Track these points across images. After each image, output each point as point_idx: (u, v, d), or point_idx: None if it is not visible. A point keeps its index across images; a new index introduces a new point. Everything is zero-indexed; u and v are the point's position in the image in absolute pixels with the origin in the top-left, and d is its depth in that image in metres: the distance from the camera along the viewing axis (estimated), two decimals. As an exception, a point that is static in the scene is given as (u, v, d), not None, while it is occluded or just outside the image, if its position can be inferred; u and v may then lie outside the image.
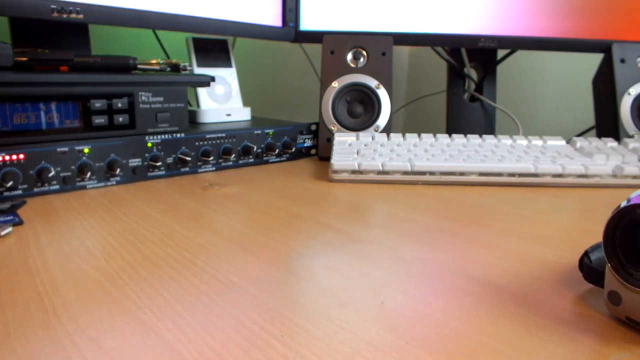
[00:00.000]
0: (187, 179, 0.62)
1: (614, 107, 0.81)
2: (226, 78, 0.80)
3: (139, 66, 0.63)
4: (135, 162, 0.59)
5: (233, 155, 0.68)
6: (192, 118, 0.76)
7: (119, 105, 0.58)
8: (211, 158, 0.66)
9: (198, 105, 0.77)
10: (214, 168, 0.67)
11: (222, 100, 0.79)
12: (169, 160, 0.62)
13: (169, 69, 0.66)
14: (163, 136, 0.61)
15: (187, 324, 0.27)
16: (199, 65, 0.77)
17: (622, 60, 0.82)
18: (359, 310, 0.29)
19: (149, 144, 0.60)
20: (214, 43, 0.80)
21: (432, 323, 0.27)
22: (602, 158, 0.68)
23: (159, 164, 0.61)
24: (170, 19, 0.68)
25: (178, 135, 0.63)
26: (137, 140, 0.59)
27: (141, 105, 0.60)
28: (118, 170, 0.57)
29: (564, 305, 0.30)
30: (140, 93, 0.59)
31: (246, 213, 0.49)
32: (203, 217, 0.47)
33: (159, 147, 0.61)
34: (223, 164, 0.68)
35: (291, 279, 0.33)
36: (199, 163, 0.65)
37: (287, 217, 0.47)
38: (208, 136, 0.66)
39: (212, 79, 0.67)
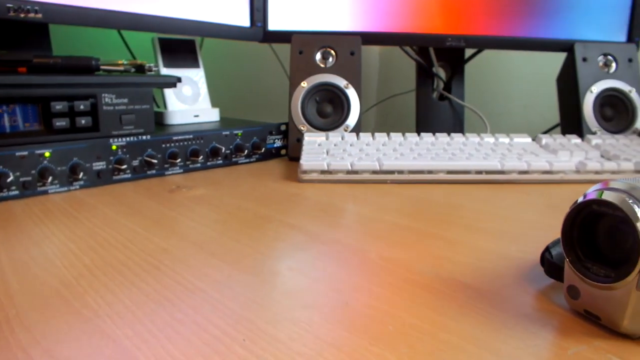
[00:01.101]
0: (154, 182, 0.61)
1: (577, 104, 0.83)
2: (194, 79, 0.79)
3: (102, 67, 0.62)
4: (99, 165, 0.58)
5: (201, 157, 0.67)
6: (159, 120, 0.75)
7: (81, 107, 0.56)
8: (178, 160, 0.65)
9: (165, 106, 0.75)
10: (181, 170, 0.66)
11: (189, 101, 0.78)
12: (135, 163, 0.61)
13: (133, 69, 0.65)
14: (128, 138, 0.60)
15: (147, 331, 0.26)
16: (166, 65, 0.76)
17: (584, 59, 0.85)
18: (322, 312, 0.28)
19: (114, 147, 0.59)
20: (180, 43, 0.79)
21: (396, 322, 0.27)
22: (566, 154, 0.69)
23: (124, 167, 0.60)
24: (135, 18, 0.66)
25: (144, 137, 0.61)
26: (101, 143, 0.58)
27: (105, 107, 0.58)
28: (81, 174, 0.56)
29: (527, 301, 0.30)
30: (103, 95, 0.58)
31: (213, 215, 0.48)
32: (168, 221, 0.46)
33: (124, 150, 0.60)
34: (191, 166, 0.67)
35: (256, 281, 0.33)
36: (166, 165, 0.64)
37: (254, 219, 0.47)
38: (175, 138, 0.65)
39: (179, 79, 0.65)
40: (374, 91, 1.39)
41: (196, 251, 0.38)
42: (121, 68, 0.64)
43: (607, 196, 0.25)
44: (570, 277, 0.28)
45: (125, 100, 0.60)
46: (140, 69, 0.65)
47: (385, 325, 0.27)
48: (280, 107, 0.96)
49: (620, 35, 0.89)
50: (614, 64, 0.85)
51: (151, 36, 0.77)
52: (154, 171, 0.63)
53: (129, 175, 0.61)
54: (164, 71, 0.75)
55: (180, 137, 0.65)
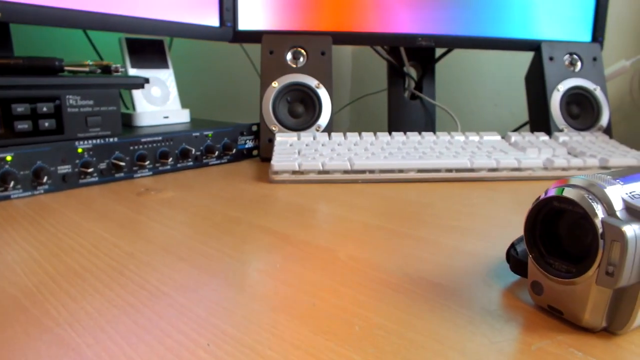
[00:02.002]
0: (122, 185, 0.60)
1: (545, 102, 0.85)
2: (163, 79, 0.78)
3: (66, 68, 0.60)
4: (64, 169, 0.56)
5: (170, 159, 0.66)
6: (127, 121, 0.74)
7: (44, 109, 0.55)
8: (147, 162, 0.63)
9: (133, 108, 0.74)
10: (150, 173, 0.65)
11: (159, 103, 0.77)
12: (102, 166, 0.60)
13: (99, 70, 0.64)
14: (94, 141, 0.59)
15: (109, 338, 0.26)
16: (134, 66, 0.74)
17: (551, 58, 0.86)
18: (289, 314, 0.28)
19: (80, 150, 0.57)
20: (149, 43, 0.77)
21: (363, 322, 0.27)
22: (534, 152, 0.71)
23: (90, 170, 0.58)
24: (101, 18, 0.65)
25: (111, 139, 0.60)
26: (66, 146, 0.56)
27: (69, 109, 0.57)
28: (46, 178, 0.54)
29: (493, 298, 0.31)
30: (67, 96, 0.56)
31: (181, 218, 0.47)
32: (136, 225, 0.45)
33: (91, 153, 0.58)
34: (160, 168, 0.66)
35: (223, 285, 0.32)
36: (134, 168, 0.63)
37: (223, 221, 0.46)
38: (143, 140, 0.63)
39: (147, 80, 0.64)
40: (347, 91, 1.39)
41: (163, 255, 0.38)
42: (86, 69, 0.62)
43: (567, 193, 0.26)
44: (534, 273, 0.28)
45: (91, 102, 0.58)
46: (107, 70, 0.64)
47: (352, 325, 0.27)
48: (253, 107, 0.95)
49: (585, 35, 0.91)
50: (579, 63, 0.87)
51: (118, 37, 0.75)
52: (122, 174, 0.62)
53: (96, 179, 0.59)
54: (132, 72, 0.74)
55: (148, 139, 0.64)
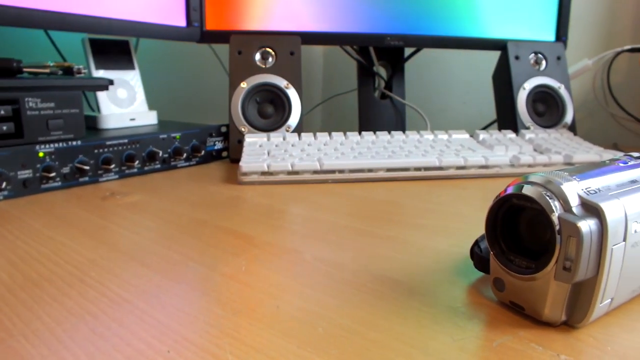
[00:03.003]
0: (87, 190, 0.58)
1: (512, 101, 0.86)
2: (129, 81, 0.77)
3: (25, 69, 0.58)
4: (25, 174, 0.55)
5: (137, 162, 0.65)
6: (92, 124, 0.72)
7: (2, 112, 0.53)
8: (113, 166, 0.62)
9: (99, 110, 0.72)
10: (117, 176, 0.63)
11: (125, 105, 0.75)
12: (65, 170, 0.58)
13: (61, 72, 0.62)
14: (56, 145, 0.57)
15: (66, 348, 0.25)
16: (98, 68, 0.73)
17: (517, 57, 0.88)
18: (252, 317, 0.28)
19: (41, 154, 0.56)
20: (113, 44, 0.76)
21: (326, 324, 0.27)
22: (501, 149, 0.72)
23: (53, 174, 0.57)
24: (61, 18, 0.63)
25: (74, 143, 0.59)
26: (26, 150, 0.55)
27: (29, 112, 0.55)
28: (4, 184, 0.52)
29: (457, 295, 0.31)
30: (26, 99, 0.55)
31: (146, 223, 0.46)
32: (99, 230, 0.44)
33: (53, 157, 0.57)
34: (127, 171, 0.64)
35: (186, 290, 0.32)
36: (99, 172, 0.62)
37: (189, 225, 0.45)
38: (108, 143, 0.62)
39: (111, 82, 0.63)
40: (319, 91, 1.39)
41: (125, 261, 0.37)
42: (47, 70, 0.61)
43: (525, 190, 0.26)
44: (495, 270, 0.29)
45: (52, 105, 0.57)
46: (69, 72, 0.62)
47: (315, 327, 0.27)
48: (223, 108, 0.94)
49: (549, 34, 0.93)
50: (544, 62, 0.89)
51: (82, 37, 0.73)
52: (86, 178, 0.60)
53: (59, 184, 0.58)
54: (96, 73, 0.72)
55: (114, 142, 0.63)
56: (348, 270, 0.35)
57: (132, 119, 0.75)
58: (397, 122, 0.95)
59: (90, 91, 0.64)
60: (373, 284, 0.32)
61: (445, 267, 0.35)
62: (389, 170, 0.63)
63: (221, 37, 0.80)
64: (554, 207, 0.25)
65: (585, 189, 0.26)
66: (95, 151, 0.61)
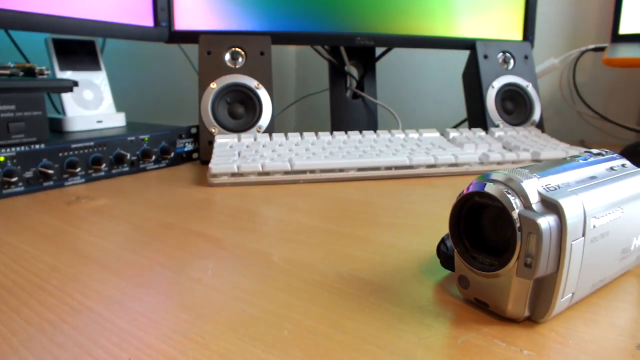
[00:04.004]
0: (51, 194, 0.57)
1: (481, 99, 0.87)
2: (95, 82, 0.75)
3: (-16, 71, 0.57)
4: (-15, 179, 0.53)
5: (104, 165, 0.63)
6: (57, 127, 0.70)
7: (-41, 116, 0.51)
8: (79, 169, 0.61)
9: (64, 112, 0.71)
10: (83, 180, 0.62)
11: (91, 106, 0.73)
12: (28, 174, 0.56)
13: (22, 73, 0.60)
14: (18, 148, 0.55)
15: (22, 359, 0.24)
16: (62, 69, 0.71)
17: (485, 57, 0.89)
18: (217, 322, 0.27)
19: (1, 158, 0.54)
20: (78, 44, 0.74)
21: (292, 326, 0.27)
22: (471, 147, 0.72)
23: (15, 179, 0.55)
24: (24, 17, 0.61)
25: (37, 146, 0.57)
26: (-14, 154, 0.53)
27: (-12, 115, 0.53)
28: (-37, 189, 0.51)
29: (423, 293, 0.31)
30: (-14, 102, 0.53)
31: (113, 227, 0.45)
32: (63, 236, 0.43)
33: (14, 161, 0.55)
34: (94, 175, 0.63)
35: (151, 295, 0.31)
36: (64, 176, 0.60)
37: (157, 228, 0.44)
38: (74, 146, 0.60)
39: (75, 83, 0.61)
40: (292, 90, 1.39)
41: (90, 267, 0.36)
42: (7, 72, 0.59)
43: (487, 188, 0.26)
44: (460, 268, 0.29)
45: (12, 107, 0.55)
46: (31, 73, 0.61)
47: (280, 330, 0.26)
48: (193, 109, 0.93)
49: (516, 34, 0.94)
50: (512, 61, 0.90)
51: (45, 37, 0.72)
52: (51, 182, 0.59)
53: (22, 189, 0.56)
54: (60, 75, 0.70)
55: (79, 145, 0.61)
56: (316, 271, 0.34)
57: (99, 121, 0.73)
58: (369, 121, 0.96)
59: (53, 93, 0.62)
60: (341, 284, 0.32)
61: (413, 265, 0.35)
62: (360, 169, 0.63)
63: (190, 37, 0.79)
64: (514, 205, 0.25)
65: (546, 185, 0.26)
66: (60, 154, 0.59)
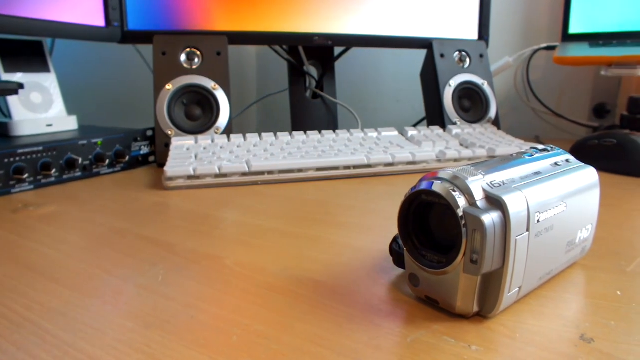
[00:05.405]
0: (-3, 202, 0.55)
1: (439, 98, 0.88)
2: (44, 84, 0.72)
3: None
4: None
5: (54, 170, 0.61)
6: (3, 131, 0.67)
7: None
8: (26, 176, 0.58)
9: (10, 116, 0.68)
10: (32, 187, 0.60)
11: (40, 110, 0.71)
12: (-29, 182, 0.54)
13: (-37, 76, 0.57)
14: (-41, 155, 0.53)
15: (-46, 379, 0.23)
16: (7, 70, 0.68)
17: (442, 56, 0.90)
18: (165, 329, 0.27)
19: (-59, 165, 0.52)
20: (24, 45, 0.71)
21: (241, 331, 0.26)
22: (429, 145, 0.73)
23: (-44, 187, 0.52)
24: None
25: (-20, 152, 0.54)
26: None
27: None
28: None
29: (376, 292, 0.31)
30: None
31: (61, 235, 0.43)
32: (7, 246, 0.41)
33: (-45, 168, 0.53)
34: (43, 181, 0.61)
35: (96, 305, 0.30)
36: (11, 182, 0.58)
37: (107, 235, 0.43)
38: (20, 151, 0.58)
39: (20, 85, 0.59)
40: (253, 91, 1.38)
41: (33, 278, 0.34)
42: (-54, 75, 0.56)
43: (433, 186, 0.27)
44: (410, 266, 0.29)
45: (-48, 112, 0.53)
46: (-28, 76, 0.58)
47: (229, 335, 0.26)
48: (150, 111, 0.91)
49: (472, 33, 0.96)
50: (468, 60, 0.92)
51: (-12, 38, 0.69)
52: (-4, 190, 0.56)
53: (-36, 197, 0.54)
54: (6, 77, 0.68)
55: (27, 150, 0.59)
56: (269, 274, 0.34)
57: (49, 125, 0.71)
58: (329, 121, 0.96)
59: (-2, 96, 0.59)
60: (294, 286, 0.32)
61: (366, 265, 0.36)
62: (318, 169, 0.63)
63: (144, 37, 0.77)
64: (459, 202, 0.25)
65: (490, 182, 0.27)
66: (6, 160, 0.57)
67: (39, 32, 0.66)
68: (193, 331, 0.26)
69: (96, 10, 0.74)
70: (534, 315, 0.28)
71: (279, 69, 1.25)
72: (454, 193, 0.26)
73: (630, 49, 0.85)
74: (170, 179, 0.59)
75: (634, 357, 0.24)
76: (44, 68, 0.73)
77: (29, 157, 0.59)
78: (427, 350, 0.25)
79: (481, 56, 0.93)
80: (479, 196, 0.26)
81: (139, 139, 0.73)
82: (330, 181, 0.63)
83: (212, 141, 0.69)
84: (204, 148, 0.67)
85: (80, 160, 0.64)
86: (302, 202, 0.53)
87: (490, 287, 0.27)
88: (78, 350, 0.25)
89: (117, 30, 0.76)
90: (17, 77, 0.69)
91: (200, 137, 0.70)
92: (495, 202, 0.26)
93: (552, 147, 0.35)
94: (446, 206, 0.26)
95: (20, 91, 0.63)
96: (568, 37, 0.96)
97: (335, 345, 0.25)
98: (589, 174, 0.33)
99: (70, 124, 0.73)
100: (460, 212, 0.25)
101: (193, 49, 0.76)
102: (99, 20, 0.74)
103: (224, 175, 0.60)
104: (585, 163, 0.34)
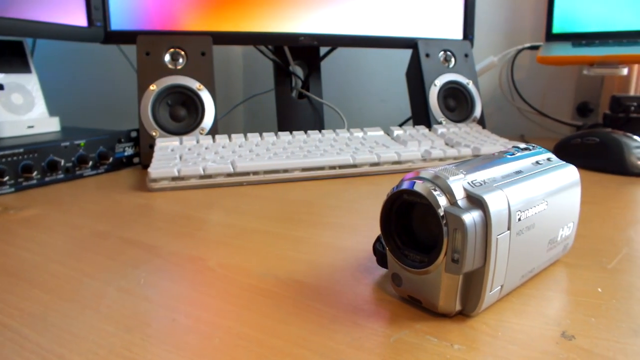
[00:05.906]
0: (-23, 205, 0.54)
1: (424, 97, 0.89)
2: (25, 85, 0.71)
3: None
4: None
5: (36, 173, 0.60)
6: (-16, 133, 0.66)
7: None
8: (7, 178, 0.57)
9: (-10, 118, 0.67)
10: (12, 189, 0.59)
11: (21, 111, 0.70)
12: (-50, 185, 0.53)
13: (-60, 78, 0.56)
14: (-63, 158, 0.52)
15: None
16: (-13, 72, 0.67)
17: (427, 55, 0.91)
18: (146, 333, 0.26)
19: None
20: (5, 45, 0.70)
21: (223, 334, 0.26)
22: (414, 145, 0.74)
23: None
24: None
25: (-41, 155, 0.54)
26: None
27: None
28: None
29: (359, 293, 0.31)
30: None
31: (42, 238, 0.43)
32: (-15, 249, 0.40)
33: None
34: (24, 183, 0.60)
35: (76, 309, 0.30)
36: (-9, 185, 0.57)
37: (89, 238, 0.43)
38: (0, 153, 0.57)
39: (1, 86, 0.58)
40: (239, 91, 1.37)
41: (11, 283, 0.34)
42: None
43: (415, 186, 0.27)
44: (392, 266, 0.29)
45: None
46: (-50, 77, 0.57)
47: (211, 338, 0.26)
48: (134, 112, 0.90)
49: (457, 33, 0.97)
50: (453, 59, 0.93)
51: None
52: (-24, 193, 0.55)
53: (-57, 200, 0.53)
54: (-15, 78, 0.66)
55: (7, 152, 0.58)
56: (253, 276, 0.34)
57: (31, 127, 0.70)
58: (315, 121, 0.96)
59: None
60: (278, 287, 0.32)
61: (350, 265, 0.35)
62: (304, 170, 0.63)
63: (127, 37, 0.76)
64: (440, 202, 0.25)
65: (472, 181, 0.27)
66: (-14, 163, 0.56)
67: (19, 32, 0.65)
68: (174, 334, 0.26)
69: (78, 10, 0.73)
70: (516, 313, 0.29)
71: (265, 69, 1.24)
72: (435, 192, 0.26)
73: (612, 48, 0.86)
74: (155, 180, 0.58)
75: (613, 353, 0.24)
76: (25, 69, 0.72)
77: (9, 159, 0.58)
78: (409, 349, 0.25)
79: (466, 56, 0.93)
80: (459, 195, 0.26)
81: (122, 140, 0.72)
82: (316, 181, 0.63)
83: (197, 142, 0.69)
84: (189, 149, 0.66)
85: (62, 162, 0.63)
86: (287, 203, 0.53)
87: (472, 286, 0.27)
88: (57, 356, 0.25)
89: (100, 30, 0.75)
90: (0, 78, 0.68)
91: (185, 138, 0.70)
92: (476, 201, 0.26)
93: (533, 146, 0.35)
94: (427, 206, 0.26)
95: (1, 92, 0.62)
96: (551, 37, 0.97)
97: (318, 347, 0.25)
98: (570, 172, 0.33)
99: (52, 125, 0.72)
100: (441, 212, 0.25)
101: (177, 49, 0.75)
102: (81, 20, 0.73)
103: (209, 176, 0.60)
104: (569, 161, 0.34)
